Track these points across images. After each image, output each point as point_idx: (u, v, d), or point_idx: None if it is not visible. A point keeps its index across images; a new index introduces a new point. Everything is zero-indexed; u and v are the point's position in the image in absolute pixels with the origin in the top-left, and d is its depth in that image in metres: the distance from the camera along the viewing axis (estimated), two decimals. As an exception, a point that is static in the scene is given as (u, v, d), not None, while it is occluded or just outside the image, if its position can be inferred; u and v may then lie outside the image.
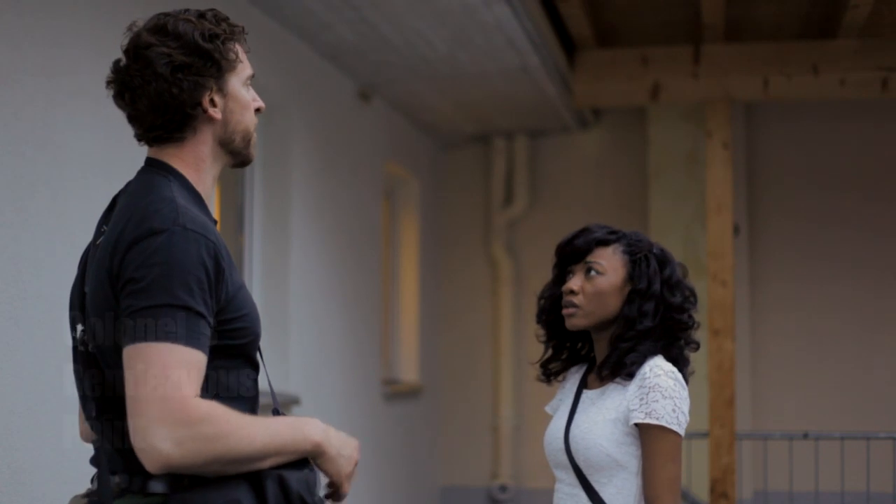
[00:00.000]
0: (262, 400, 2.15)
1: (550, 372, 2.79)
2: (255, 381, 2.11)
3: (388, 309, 8.02)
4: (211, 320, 1.94)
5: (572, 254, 2.69)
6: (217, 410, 1.88)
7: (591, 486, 2.56)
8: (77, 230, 3.78)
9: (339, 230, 6.54)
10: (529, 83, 6.89)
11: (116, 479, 1.98)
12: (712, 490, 6.07)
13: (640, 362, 2.56)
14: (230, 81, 2.12)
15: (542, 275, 2.95)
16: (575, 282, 2.65)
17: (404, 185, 8.32)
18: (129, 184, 2.12)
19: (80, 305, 2.08)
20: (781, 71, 6.41)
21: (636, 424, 2.52)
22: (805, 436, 6.22)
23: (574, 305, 2.63)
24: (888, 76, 6.33)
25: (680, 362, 2.63)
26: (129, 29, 2.10)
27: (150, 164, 2.11)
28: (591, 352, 2.75)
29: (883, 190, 8.19)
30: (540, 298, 2.78)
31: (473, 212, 8.94)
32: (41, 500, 3.56)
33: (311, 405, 5.82)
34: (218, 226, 2.13)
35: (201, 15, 2.11)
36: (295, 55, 5.87)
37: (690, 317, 2.66)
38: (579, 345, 2.79)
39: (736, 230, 7.17)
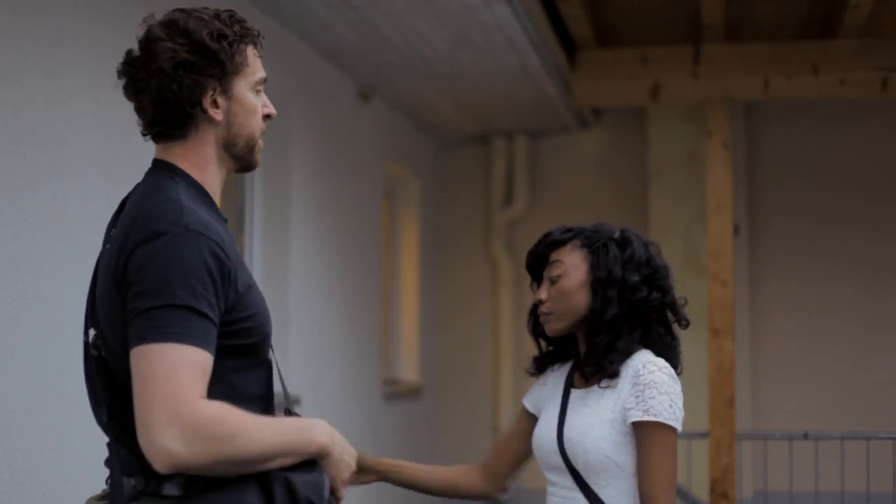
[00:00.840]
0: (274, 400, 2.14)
1: (544, 366, 2.76)
2: (267, 380, 2.09)
3: (388, 309, 8.02)
4: (216, 320, 1.93)
5: (537, 263, 2.69)
6: (225, 410, 1.88)
7: (590, 488, 2.51)
8: (77, 230, 3.78)
9: (339, 230, 6.53)
10: (529, 83, 6.89)
11: (132, 481, 1.98)
12: (712, 490, 6.07)
13: (622, 360, 2.52)
14: (236, 84, 2.10)
15: (541, 275, 2.94)
16: (542, 290, 2.64)
17: (404, 185, 8.32)
18: (136, 186, 2.11)
19: (92, 309, 2.08)
20: (781, 71, 6.41)
21: (633, 423, 2.47)
22: (805, 436, 6.21)
23: (545, 313, 2.62)
24: (888, 76, 6.33)
25: (670, 357, 2.56)
26: (146, 21, 2.09)
27: (157, 165, 2.11)
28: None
29: (883, 190, 8.19)
30: (530, 315, 2.76)
31: (473, 212, 8.94)
32: (41, 500, 3.55)
33: (312, 405, 5.82)
34: (228, 224, 2.12)
35: (216, 15, 2.10)
36: (295, 55, 5.87)
37: (661, 292, 2.57)
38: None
39: (736, 230, 7.17)
